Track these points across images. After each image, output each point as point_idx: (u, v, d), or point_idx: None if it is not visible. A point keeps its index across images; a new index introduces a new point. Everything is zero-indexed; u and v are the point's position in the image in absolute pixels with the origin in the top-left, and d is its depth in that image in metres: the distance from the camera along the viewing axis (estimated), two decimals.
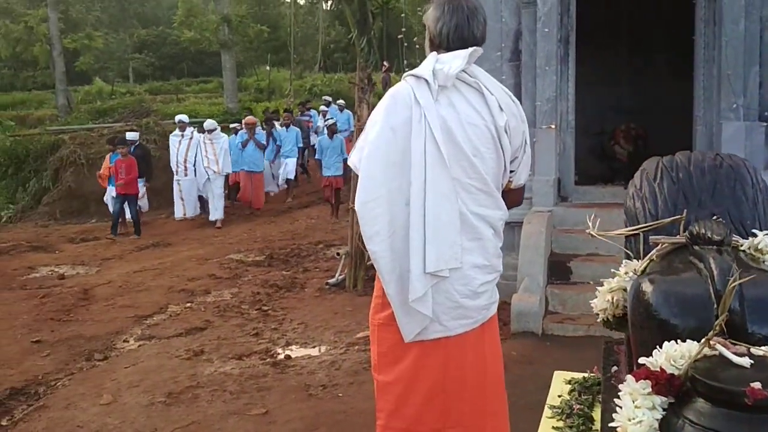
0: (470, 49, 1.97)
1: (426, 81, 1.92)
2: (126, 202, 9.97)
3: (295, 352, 4.50)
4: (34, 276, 7.49)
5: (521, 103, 2.18)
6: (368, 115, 6.02)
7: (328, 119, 12.58)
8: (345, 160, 10.28)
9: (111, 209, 10.32)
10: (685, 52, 6.11)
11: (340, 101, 15.74)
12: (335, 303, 5.78)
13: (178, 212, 10.89)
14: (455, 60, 1.94)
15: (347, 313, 5.43)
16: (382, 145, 1.90)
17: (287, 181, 12.75)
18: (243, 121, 11.74)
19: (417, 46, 8.56)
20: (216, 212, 10.70)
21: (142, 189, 10.51)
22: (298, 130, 13.11)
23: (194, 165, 10.68)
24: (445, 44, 2.00)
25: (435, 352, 1.94)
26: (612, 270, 1.78)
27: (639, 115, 7.49)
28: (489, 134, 1.93)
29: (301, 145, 13.06)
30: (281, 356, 4.39)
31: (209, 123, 11.04)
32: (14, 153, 14.09)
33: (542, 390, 2.24)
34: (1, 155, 14.09)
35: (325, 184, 11.07)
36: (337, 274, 6.44)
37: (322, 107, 15.22)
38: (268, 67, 38.30)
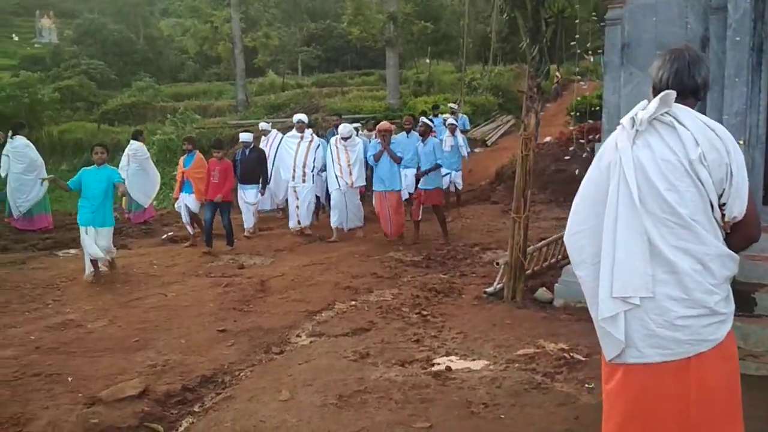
0: (662, 93, 2.08)
1: (625, 127, 2.15)
2: (219, 211, 8.92)
3: (456, 363, 4.58)
4: (217, 264, 8.27)
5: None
6: (536, 125, 5.92)
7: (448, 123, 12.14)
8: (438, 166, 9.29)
9: (184, 218, 9.47)
10: None
11: (452, 105, 15.52)
12: (493, 314, 5.80)
13: (293, 222, 9.96)
14: (651, 105, 2.10)
15: (506, 326, 5.43)
16: (590, 186, 2.24)
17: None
18: (377, 128, 9.76)
19: (589, 54, 8.23)
20: (297, 220, 9.83)
21: (257, 196, 9.94)
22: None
23: (313, 171, 9.84)
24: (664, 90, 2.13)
25: (634, 377, 2.09)
26: None
27: None
28: (682, 168, 2.02)
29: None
30: (442, 367, 4.50)
31: (345, 128, 9.71)
32: (200, 144, 15.59)
33: None
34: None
35: (414, 197, 9.55)
36: (495, 283, 6.46)
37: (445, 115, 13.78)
38: (428, 60, 38.75)
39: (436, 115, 13.69)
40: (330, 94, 32.97)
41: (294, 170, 9.80)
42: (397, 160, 9.09)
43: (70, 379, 4.34)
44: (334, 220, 9.60)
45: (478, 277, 7.20)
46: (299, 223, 9.84)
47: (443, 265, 7.96)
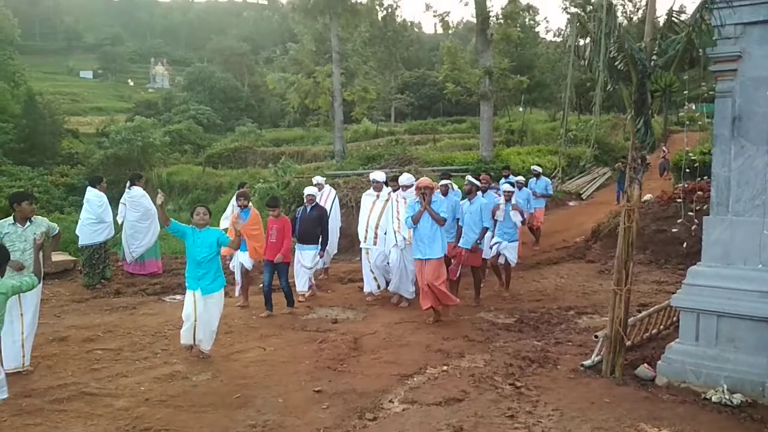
0: None
1: None
2: (276, 271, 8.51)
3: None
4: (312, 317, 8.49)
5: None
6: (639, 196, 5.80)
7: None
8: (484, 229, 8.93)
9: (237, 276, 9.15)
10: None
11: (536, 167, 15.04)
12: (591, 390, 5.62)
13: (368, 286, 9.39)
14: None
15: (605, 405, 5.25)
16: None
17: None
18: (416, 185, 8.30)
19: (689, 103, 7.93)
20: (377, 284, 9.34)
21: (314, 259, 9.17)
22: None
23: (386, 233, 9.08)
24: None
25: None
26: None
27: None
28: None
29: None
30: None
31: (406, 178, 9.18)
32: (297, 191, 16.23)
33: None
34: (288, 194, 16.34)
35: (453, 255, 8.97)
36: (593, 356, 6.26)
37: (518, 178, 13.25)
38: (521, 108, 38.71)
39: (507, 176, 13.52)
40: (421, 141, 33.58)
41: (366, 230, 9.28)
42: (440, 222, 7.97)
43: None
44: (392, 285, 9.14)
45: (574, 346, 7.01)
46: (379, 287, 9.33)
47: (537, 330, 7.80)
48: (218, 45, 79.65)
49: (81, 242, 10.38)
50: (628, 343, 6.30)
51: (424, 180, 8.30)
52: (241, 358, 6.61)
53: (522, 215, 10.49)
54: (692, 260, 10.70)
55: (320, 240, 9.12)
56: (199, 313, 6.42)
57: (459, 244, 8.97)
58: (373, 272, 9.27)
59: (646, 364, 6.08)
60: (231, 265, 9.28)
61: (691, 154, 14.01)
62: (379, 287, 9.33)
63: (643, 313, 7.09)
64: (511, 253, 9.85)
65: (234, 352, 6.81)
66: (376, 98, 28.35)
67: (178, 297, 9.66)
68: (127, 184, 10.97)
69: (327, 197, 10.59)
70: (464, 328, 7.87)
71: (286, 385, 5.76)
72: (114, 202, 11.24)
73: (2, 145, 37.03)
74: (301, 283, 9.29)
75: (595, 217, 16.36)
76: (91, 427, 4.68)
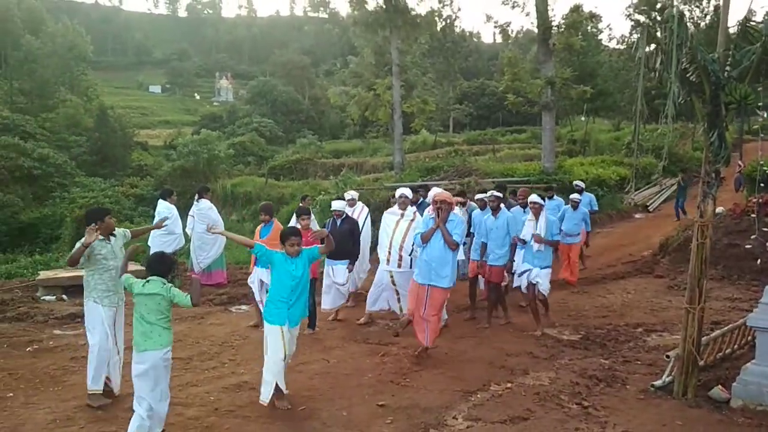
0: None
1: None
2: None
3: None
4: (374, 329, 8.54)
5: None
6: (713, 211, 5.61)
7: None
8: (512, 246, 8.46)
9: (256, 295, 8.38)
10: None
11: (579, 182, 13.19)
12: (662, 412, 5.45)
13: (375, 305, 8.63)
14: None
15: (677, 428, 5.09)
16: None
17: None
18: (432, 198, 7.54)
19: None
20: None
21: (345, 273, 8.66)
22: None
23: (411, 255, 8.16)
24: None
25: None
26: None
27: None
28: None
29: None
30: None
31: (438, 192, 7.97)
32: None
33: None
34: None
35: (478, 270, 8.87)
36: (664, 376, 6.07)
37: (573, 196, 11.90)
38: (583, 118, 37.96)
39: (551, 197, 12.01)
40: (480, 151, 33.35)
41: (390, 252, 8.31)
42: (452, 245, 6.97)
43: None
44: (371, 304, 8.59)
45: (643, 365, 6.81)
46: (401, 310, 8.26)
47: (603, 348, 7.62)
48: (280, 58, 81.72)
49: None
50: (701, 363, 6.09)
51: (442, 193, 7.44)
52: (305, 369, 6.71)
53: (551, 242, 8.50)
54: (767, 277, 10.30)
55: (351, 256, 8.70)
56: (288, 350, 5.62)
57: (488, 261, 8.57)
58: (398, 293, 8.34)
59: (720, 386, 5.86)
60: (250, 281, 8.69)
61: (765, 167, 13.43)
62: (401, 309, 8.27)
63: (717, 332, 6.83)
64: (543, 280, 8.33)
65: (299, 363, 6.91)
66: (434, 109, 28.40)
67: (243, 307, 9.91)
68: (196, 197, 11.34)
69: (359, 215, 9.94)
70: (528, 344, 7.76)
71: (350, 399, 5.81)
72: (182, 213, 11.66)
73: (76, 157, 38.99)
74: (331, 300, 8.81)
75: (663, 230, 15.86)
76: None
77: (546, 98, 18.30)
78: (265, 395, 5.49)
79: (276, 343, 5.51)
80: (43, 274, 11.44)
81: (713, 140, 5.55)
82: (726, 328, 6.99)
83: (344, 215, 8.92)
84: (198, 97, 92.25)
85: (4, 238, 28.58)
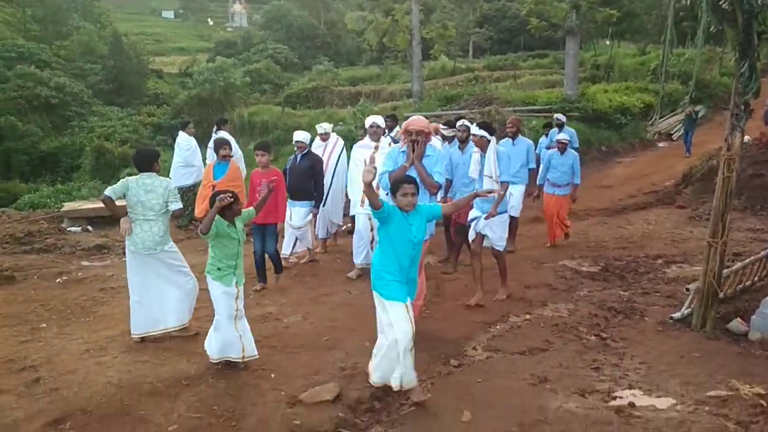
0: None
1: None
2: (264, 234, 7.08)
3: (639, 399, 4.46)
4: None
5: None
6: (740, 144, 5.49)
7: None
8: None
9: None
10: None
11: (559, 115, 11.42)
12: (680, 343, 5.52)
13: (358, 258, 7.78)
14: None
15: (694, 360, 5.16)
16: None
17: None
18: (404, 126, 5.97)
19: None
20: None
21: (305, 218, 7.93)
22: (530, 143, 9.37)
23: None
24: None
25: None
26: None
27: None
28: None
29: (532, 165, 9.06)
30: (624, 401, 4.40)
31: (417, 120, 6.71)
32: None
33: None
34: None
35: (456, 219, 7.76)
36: (683, 309, 6.12)
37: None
38: (608, 41, 36.69)
39: (560, 126, 10.85)
40: (501, 78, 32.55)
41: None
42: (432, 187, 5.72)
43: (272, 375, 4.86)
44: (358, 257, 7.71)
45: (662, 297, 6.86)
46: None
47: (622, 279, 7.66)
48: None
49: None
50: (721, 295, 6.11)
51: (417, 121, 5.85)
52: (328, 301, 6.85)
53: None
54: None
55: (315, 196, 7.92)
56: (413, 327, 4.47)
57: (448, 195, 7.64)
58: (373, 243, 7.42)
59: (739, 318, 5.91)
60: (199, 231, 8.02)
61: None
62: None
63: (738, 264, 6.82)
64: (496, 231, 6.70)
65: (322, 294, 7.05)
66: (454, 35, 27.59)
67: None
68: (214, 128, 11.30)
69: (332, 150, 8.75)
70: (547, 276, 7.83)
71: (372, 330, 5.90)
72: (201, 143, 11.64)
73: (92, 86, 38.82)
74: (286, 243, 8.11)
75: (686, 159, 15.61)
76: (194, 365, 5.02)
77: (570, 22, 17.65)
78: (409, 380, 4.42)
79: (404, 323, 4.42)
80: (68, 206, 11.63)
81: (743, 71, 5.35)
82: (747, 260, 6.97)
83: (306, 150, 7.90)
84: (211, 23, 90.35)
85: (25, 167, 28.99)
